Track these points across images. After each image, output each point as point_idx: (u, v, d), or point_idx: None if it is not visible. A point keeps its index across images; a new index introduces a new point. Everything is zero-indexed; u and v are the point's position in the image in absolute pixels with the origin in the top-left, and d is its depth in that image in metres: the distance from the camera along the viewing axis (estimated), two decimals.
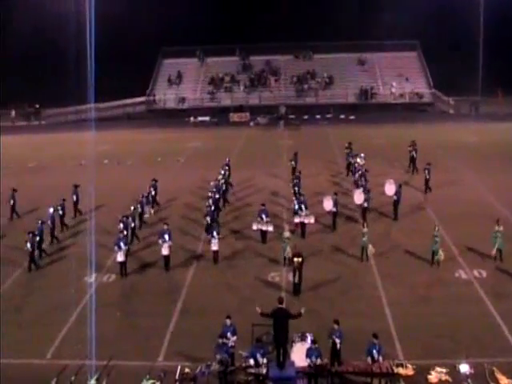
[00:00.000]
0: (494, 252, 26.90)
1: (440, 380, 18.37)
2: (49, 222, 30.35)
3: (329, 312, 22.04)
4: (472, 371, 18.38)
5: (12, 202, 34.49)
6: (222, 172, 37.10)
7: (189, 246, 29.69)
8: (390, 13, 70.56)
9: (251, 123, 67.02)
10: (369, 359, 18.24)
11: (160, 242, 27.13)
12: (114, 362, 19.47)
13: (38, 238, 28.12)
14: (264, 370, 18.04)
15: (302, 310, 19.02)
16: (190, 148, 53.28)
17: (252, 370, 18.17)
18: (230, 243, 29.72)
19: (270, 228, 29.69)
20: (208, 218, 29.96)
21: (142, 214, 32.35)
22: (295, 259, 24.45)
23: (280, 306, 18.94)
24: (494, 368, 18.56)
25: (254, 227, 29.81)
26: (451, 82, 66.56)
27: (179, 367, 19.00)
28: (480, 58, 68.97)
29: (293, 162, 39.99)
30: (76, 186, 34.64)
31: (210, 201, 31.46)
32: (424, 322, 21.93)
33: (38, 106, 72.81)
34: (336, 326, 19.01)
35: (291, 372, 18.14)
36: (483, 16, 68.38)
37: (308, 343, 18.88)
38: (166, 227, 27.45)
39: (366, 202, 32.25)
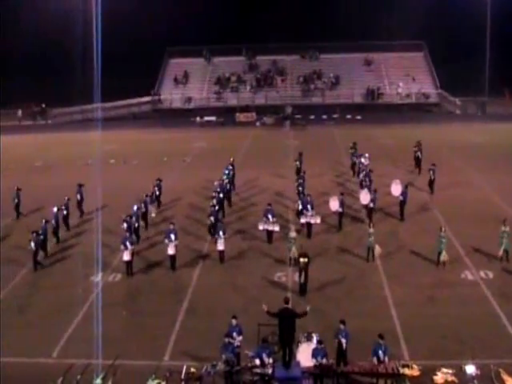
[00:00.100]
0: (500, 253, 26.83)
1: (446, 381, 18.33)
2: (53, 222, 30.40)
3: (335, 312, 22.03)
4: (478, 372, 18.31)
5: (16, 200, 34.54)
6: (226, 172, 37.11)
7: (194, 245, 29.71)
8: (396, 13, 70.56)
9: (257, 123, 66.97)
10: (374, 360, 18.22)
11: (166, 241, 27.12)
12: (120, 361, 19.49)
13: (41, 238, 28.16)
14: (270, 370, 18.02)
15: (307, 309, 19.02)
16: (195, 148, 53.29)
17: (258, 370, 18.14)
18: (235, 243, 29.69)
19: (277, 228, 29.66)
20: (212, 218, 29.89)
21: (145, 214, 32.34)
22: (301, 259, 24.43)
23: (286, 305, 18.95)
24: (500, 369, 18.50)
25: (260, 227, 29.78)
26: (458, 83, 66.38)
27: (185, 367, 18.98)
28: (487, 59, 68.86)
29: (297, 162, 39.92)
30: (80, 186, 34.68)
31: (214, 201, 31.44)
32: (430, 322, 21.90)
33: (44, 105, 72.91)
34: (342, 326, 19.01)
35: (297, 372, 18.13)
36: (490, 16, 68.23)
37: (314, 343, 18.87)
38: (172, 227, 27.44)
39: (372, 202, 32.21)
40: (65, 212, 32.15)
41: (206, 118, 68.89)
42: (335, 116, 68.91)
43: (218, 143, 55.02)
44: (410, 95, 73.92)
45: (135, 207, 31.17)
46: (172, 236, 26.97)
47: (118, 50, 66.19)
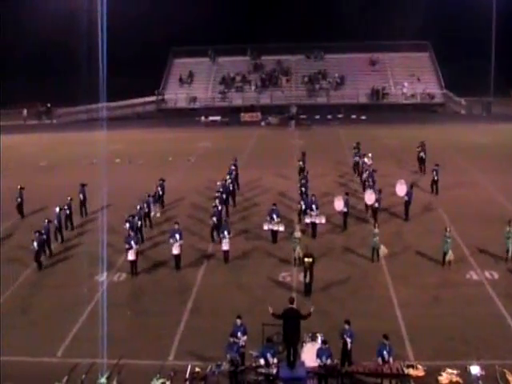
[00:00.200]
0: (511, 253, 26.76)
1: (451, 381, 18.30)
2: (55, 222, 30.45)
3: (339, 312, 22.02)
4: (483, 373, 18.29)
5: (19, 200, 34.59)
6: (230, 172, 37.10)
7: (199, 245, 29.70)
8: (401, 13, 70.43)
9: (262, 123, 66.95)
10: (379, 360, 18.21)
11: (171, 241, 27.11)
12: (125, 360, 19.54)
13: (44, 237, 28.20)
14: (274, 370, 18.05)
15: (312, 309, 19.04)
16: (200, 148, 53.32)
17: (262, 370, 18.17)
18: (240, 243, 29.68)
19: (281, 228, 29.63)
20: (214, 219, 29.84)
21: (148, 214, 32.35)
22: (306, 259, 24.42)
23: (291, 306, 18.96)
24: (505, 370, 18.48)
25: (265, 227, 29.74)
26: (463, 83, 66.21)
27: (189, 366, 19.03)
28: (492, 59, 68.66)
29: (301, 162, 39.88)
30: (83, 185, 34.68)
31: (217, 201, 31.40)
32: (435, 323, 21.87)
33: (49, 105, 73.02)
34: (347, 326, 19.04)
35: (301, 372, 18.16)
36: (496, 16, 68.02)
37: (318, 343, 18.87)
38: (176, 226, 27.43)
39: (377, 202, 32.16)
40: (67, 212, 32.17)
41: (211, 118, 68.91)
42: (340, 116, 68.90)
43: (223, 143, 55.05)
44: (415, 95, 73.84)
45: (138, 207, 31.20)
46: (177, 236, 26.97)
47: (124, 50, 66.20)
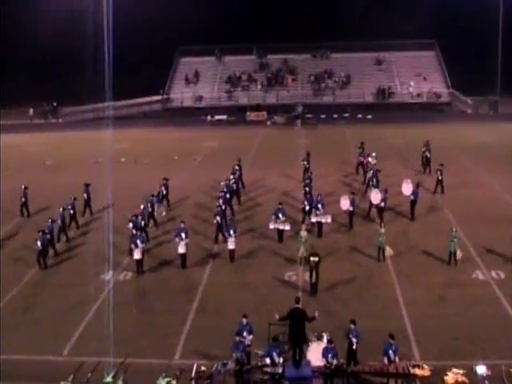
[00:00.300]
0: None
1: (456, 381, 18.25)
2: (59, 221, 30.47)
3: (345, 312, 21.99)
4: (489, 373, 18.23)
5: (23, 199, 34.65)
6: (233, 172, 37.08)
7: (204, 244, 29.71)
8: (407, 12, 70.33)
9: (268, 122, 66.91)
10: (385, 359, 18.19)
11: (177, 240, 27.14)
12: (131, 359, 19.53)
13: (48, 237, 28.22)
14: (280, 369, 18.04)
15: (316, 314, 19.02)
16: (206, 147, 53.31)
17: (268, 369, 18.17)
18: (245, 242, 29.66)
19: (287, 227, 29.62)
20: (218, 218, 29.82)
21: (152, 214, 32.35)
22: (312, 259, 24.41)
23: (297, 305, 18.96)
24: (511, 370, 18.43)
25: (271, 226, 29.72)
26: (469, 82, 66.03)
27: (195, 365, 19.04)
28: (499, 58, 68.43)
29: (305, 162, 39.81)
30: (87, 185, 34.69)
31: (221, 201, 31.35)
32: (441, 322, 21.83)
33: (55, 104, 73.06)
34: (353, 326, 19.02)
35: (307, 371, 18.16)
36: (502, 14, 67.81)
37: (324, 343, 18.85)
38: (182, 225, 27.44)
39: (383, 201, 32.10)
40: (71, 211, 32.19)
41: (217, 117, 68.90)
42: (346, 115, 68.77)
43: (229, 142, 55.01)
44: (421, 94, 73.68)
45: (141, 207, 31.22)
46: (183, 234, 26.99)
47: (130, 49, 66.29)
